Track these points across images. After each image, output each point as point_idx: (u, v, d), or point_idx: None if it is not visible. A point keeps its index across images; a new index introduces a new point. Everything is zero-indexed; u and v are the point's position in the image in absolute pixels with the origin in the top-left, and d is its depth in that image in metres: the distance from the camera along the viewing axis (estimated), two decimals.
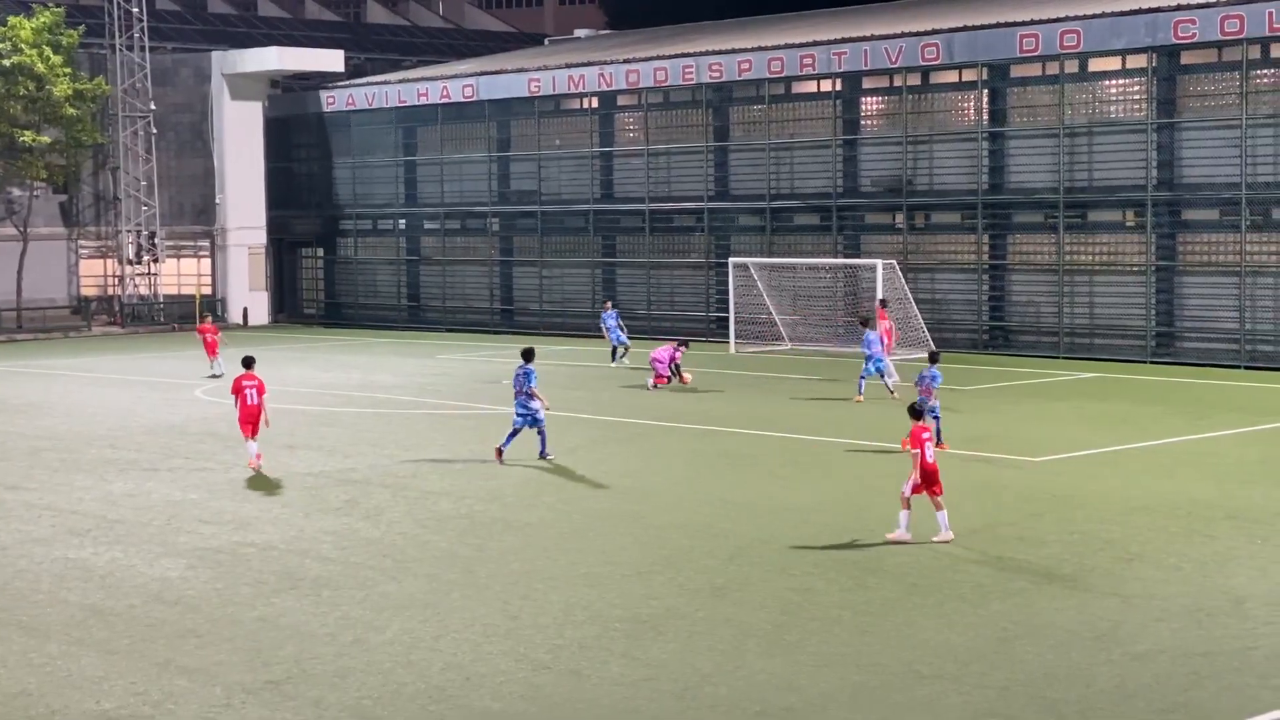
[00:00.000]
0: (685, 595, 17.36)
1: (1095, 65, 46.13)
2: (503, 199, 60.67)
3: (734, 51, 53.54)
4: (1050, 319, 47.23)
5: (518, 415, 26.69)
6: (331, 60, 65.39)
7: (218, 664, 14.83)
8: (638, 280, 57.01)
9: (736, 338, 49.19)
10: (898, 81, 49.80)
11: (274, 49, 65.49)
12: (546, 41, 74.97)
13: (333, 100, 65.74)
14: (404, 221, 64.30)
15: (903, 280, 47.16)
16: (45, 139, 59.26)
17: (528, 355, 27.38)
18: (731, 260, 50.73)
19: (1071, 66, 46.17)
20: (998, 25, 47.36)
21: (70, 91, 59.18)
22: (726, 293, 50.71)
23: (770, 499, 23.08)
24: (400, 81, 64.48)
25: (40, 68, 58.20)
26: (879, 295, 43.48)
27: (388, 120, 63.72)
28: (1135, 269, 45.55)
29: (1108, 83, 46.24)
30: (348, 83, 66.40)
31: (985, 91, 48.00)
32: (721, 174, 54.92)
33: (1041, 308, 47.73)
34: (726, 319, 50.36)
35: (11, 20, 59.02)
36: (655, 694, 13.84)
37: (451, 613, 16.65)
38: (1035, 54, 46.48)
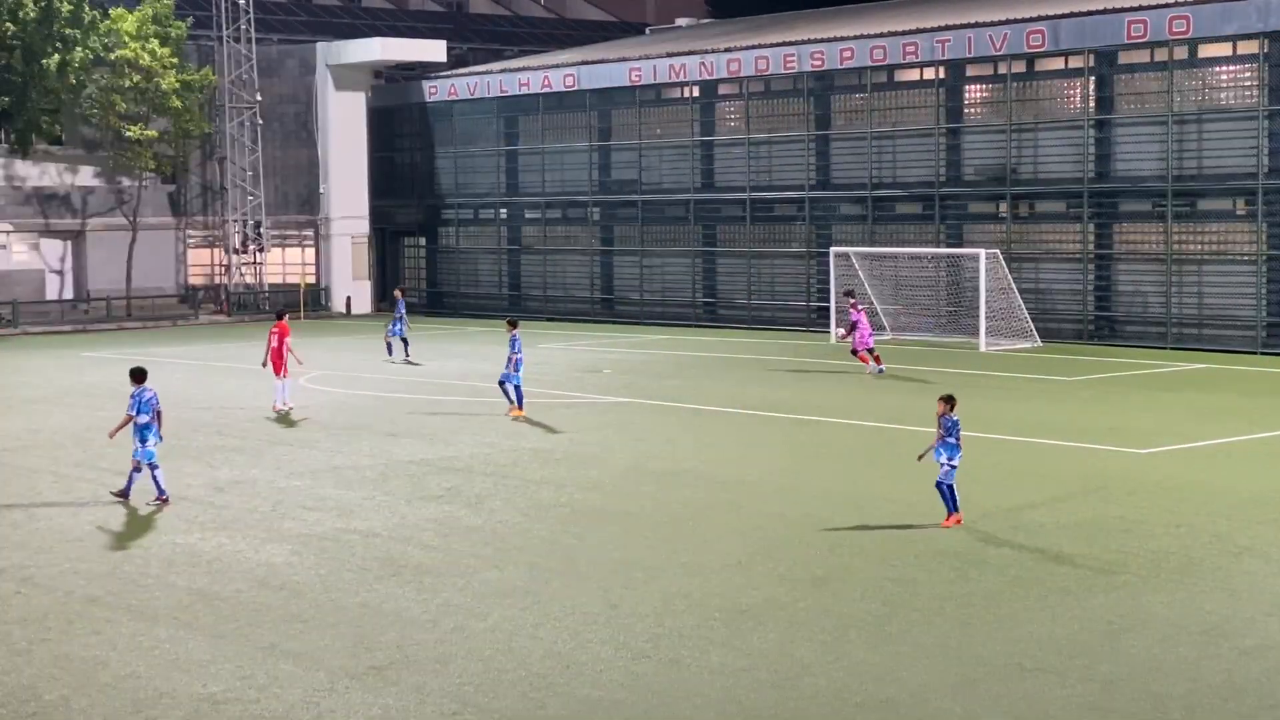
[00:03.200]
0: (785, 585, 17.31)
1: (1205, 51, 45.38)
2: (603, 188, 60.76)
3: (836, 40, 53.23)
4: (1158, 309, 46.59)
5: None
6: (434, 50, 65.76)
7: (321, 649, 14.98)
8: (738, 270, 56.88)
9: (838, 327, 48.94)
10: (1002, 69, 49.30)
11: (377, 40, 66.00)
12: (648, 31, 74.90)
13: (435, 90, 66.12)
14: (505, 211, 64.56)
15: (1006, 270, 46.71)
16: (152, 132, 60.12)
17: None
18: (833, 249, 50.51)
19: (1181, 53, 45.48)
20: (1105, 11, 46.72)
21: (178, 83, 60.03)
22: (827, 282, 50.49)
23: (871, 490, 22.97)
24: (502, 71, 64.73)
25: (144, 60, 59.05)
26: (979, 288, 43.12)
27: (489, 110, 64.01)
28: (1245, 258, 44.82)
29: (1218, 69, 45.50)
30: (450, 73, 66.75)
31: (1092, 78, 47.42)
32: (823, 163, 54.64)
33: (1149, 297, 47.10)
34: (827, 309, 50.14)
35: (114, 14, 59.89)
36: (755, 684, 13.81)
37: (552, 601, 16.70)
38: (1143, 40, 45.82)
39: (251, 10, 63.83)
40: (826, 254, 51.05)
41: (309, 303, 63.64)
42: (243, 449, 27.52)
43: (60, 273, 63.23)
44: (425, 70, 67.51)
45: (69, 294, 62.97)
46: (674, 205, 58.46)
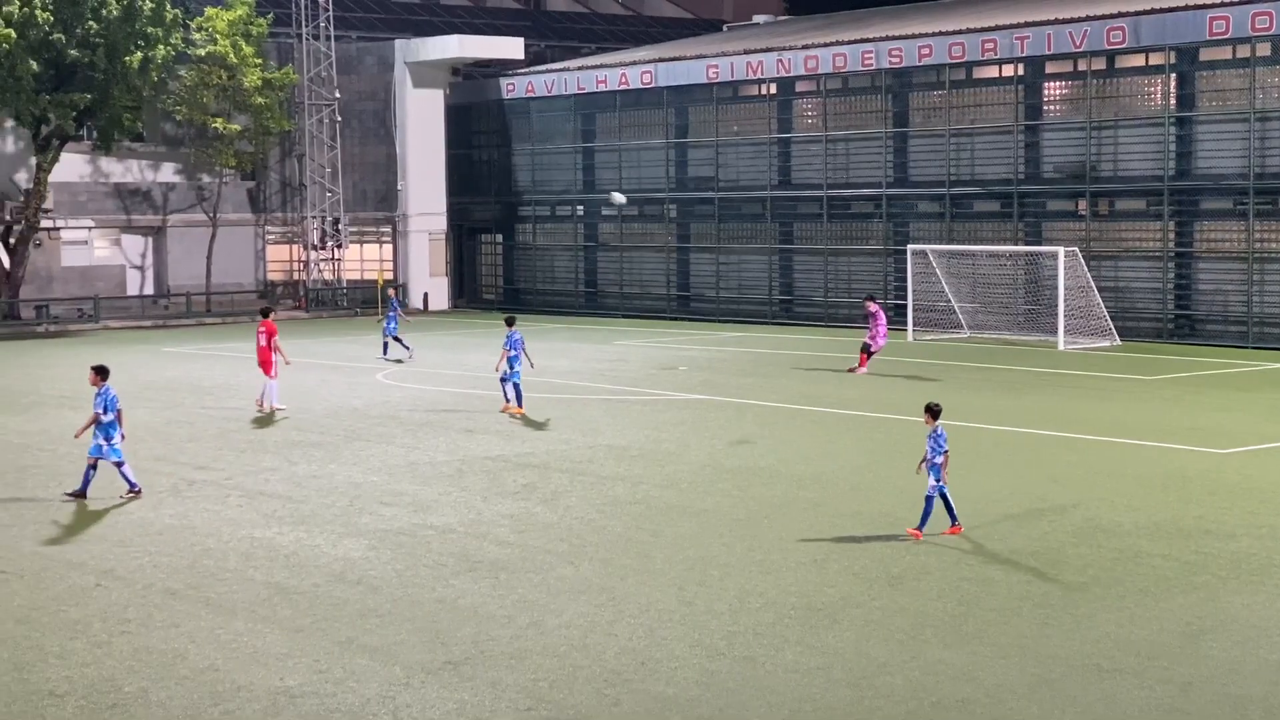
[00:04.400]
0: (861, 583, 17.24)
1: None
2: (680, 185, 60.76)
3: (914, 37, 52.98)
4: (1239, 307, 46.05)
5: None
6: (512, 48, 65.97)
7: (397, 644, 15.06)
8: (814, 267, 56.73)
9: (914, 325, 48.74)
10: (1082, 66, 48.89)
11: (455, 37, 66.31)
12: (725, 28, 74.84)
13: (512, 87, 66.35)
14: (582, 208, 64.70)
15: (1085, 268, 46.33)
16: (235, 127, 60.77)
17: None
18: (910, 247, 50.26)
19: (1264, 49, 44.92)
20: (1186, 8, 46.21)
21: (259, 80, 60.63)
22: (904, 280, 50.27)
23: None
24: (579, 68, 64.86)
25: (233, 58, 59.74)
26: (1057, 286, 42.73)
27: (566, 107, 64.16)
28: None
29: None
30: (527, 70, 66.96)
31: (1173, 75, 46.93)
32: (900, 160, 54.40)
33: (1230, 296, 46.57)
34: (904, 306, 49.91)
35: (209, 11, 60.61)
36: (830, 682, 13.77)
37: (627, 597, 16.72)
38: (1225, 37, 45.31)
39: (331, 8, 64.32)
40: (904, 251, 50.82)
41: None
42: (320, 444, 27.72)
43: (141, 268, 63.98)
44: (503, 67, 67.75)
45: (150, 289, 63.68)
46: (750, 203, 58.37)
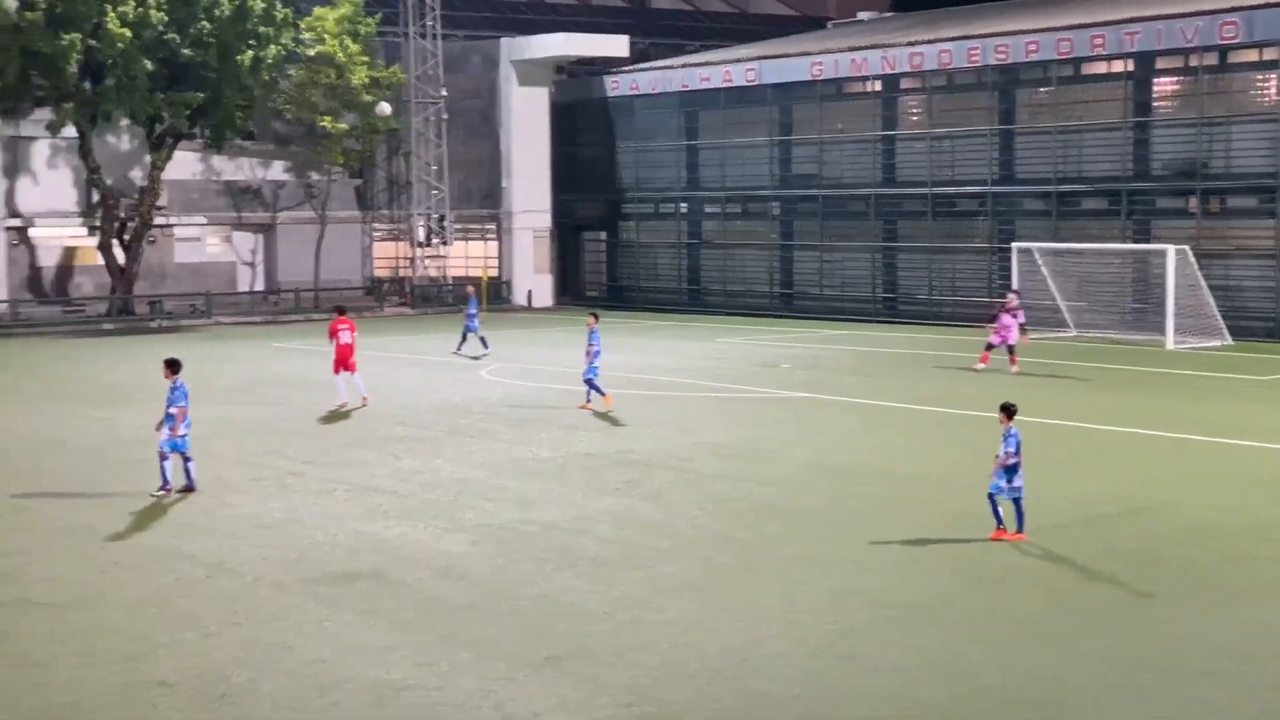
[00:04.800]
0: (960, 583, 17.19)
1: None
2: (784, 183, 60.65)
3: (1021, 33, 52.51)
4: None
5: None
6: (616, 46, 66.09)
7: (499, 638, 15.21)
8: (918, 265, 56.42)
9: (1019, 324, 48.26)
10: (1193, 61, 48.23)
11: (561, 35, 66.53)
12: (829, 25, 74.55)
13: (617, 85, 66.52)
14: (685, 205, 64.75)
15: (1195, 266, 45.70)
16: (343, 125, 61.46)
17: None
18: (1015, 245, 49.84)
19: None
20: None
21: (367, 79, 61.27)
22: (1009, 278, 49.84)
23: (1050, 488, 22.62)
24: (683, 66, 64.90)
25: (341, 57, 60.42)
26: (1166, 284, 42.22)
27: (670, 105, 64.21)
28: None
29: None
30: (632, 67, 67.09)
31: None
32: (1006, 157, 53.95)
33: None
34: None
35: (317, 11, 61.33)
36: (928, 682, 13.75)
37: (727, 595, 16.78)
38: None
39: (438, 7, 64.83)
40: (1008, 250, 50.40)
41: (490, 296, 64.43)
42: (424, 440, 28.00)
43: (251, 265, 64.88)
44: (607, 65, 67.93)
45: (259, 286, 64.56)
46: (854, 200, 58.14)
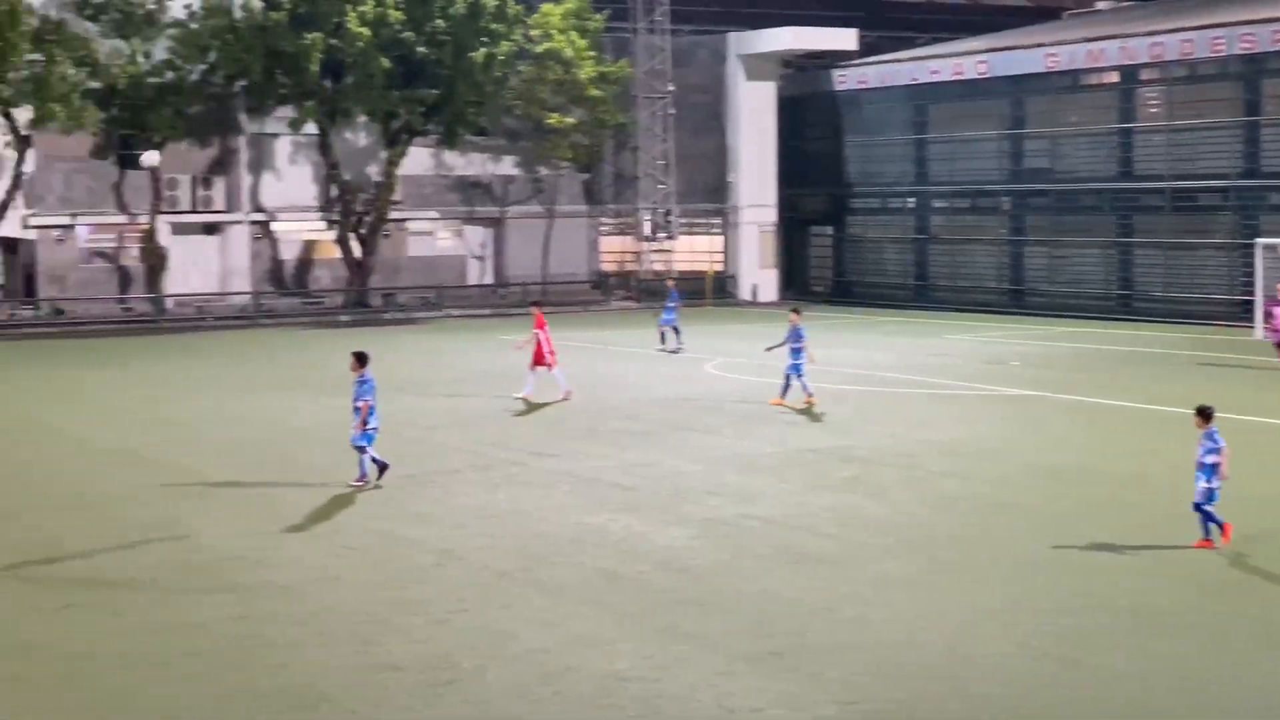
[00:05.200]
0: (1191, 587, 16.75)
1: None
2: (1015, 177, 59.65)
3: (1268, 21, 50.83)
4: None
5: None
6: (845, 39, 65.67)
7: (720, 632, 15.25)
8: (1155, 261, 55.00)
9: (1263, 322, 46.79)
10: None
11: (788, 29, 66.30)
12: (1064, 15, 73.08)
13: (844, 79, 66.12)
14: (913, 200, 64.09)
15: None
16: (570, 121, 62.12)
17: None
18: (1260, 241, 48.28)
19: None
20: None
21: (595, 74, 61.85)
22: (1252, 275, 48.33)
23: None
24: (912, 59, 64.23)
25: (568, 52, 61.10)
26: None
27: (899, 98, 63.61)
28: None
29: None
30: (860, 61, 66.61)
31: None
32: (1251, 150, 52.28)
33: None
34: (1251, 303, 47.97)
35: (544, 8, 62.11)
36: (1157, 690, 13.43)
37: (950, 594, 16.59)
38: None
39: (666, 2, 65.11)
40: (1252, 245, 48.84)
41: (715, 291, 64.56)
42: (648, 433, 28.17)
43: (481, 258, 65.94)
44: (835, 59, 67.52)
45: (488, 279, 65.60)
46: (1088, 195, 56.93)
